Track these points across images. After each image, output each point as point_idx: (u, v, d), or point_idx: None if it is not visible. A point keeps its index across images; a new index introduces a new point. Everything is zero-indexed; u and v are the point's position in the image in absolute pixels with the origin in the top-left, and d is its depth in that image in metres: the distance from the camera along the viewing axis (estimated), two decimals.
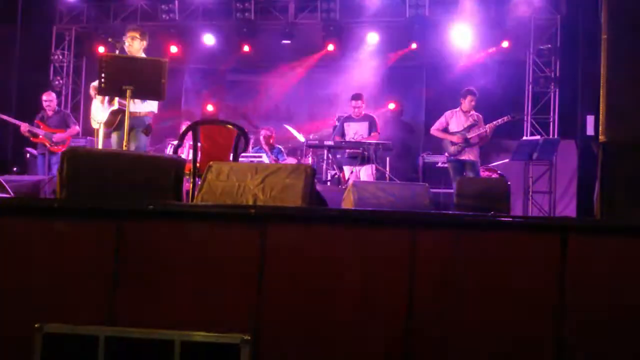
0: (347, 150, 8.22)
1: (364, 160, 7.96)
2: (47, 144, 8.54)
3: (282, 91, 11.78)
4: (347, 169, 8.24)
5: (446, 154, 8.05)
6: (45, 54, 11.32)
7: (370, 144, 7.87)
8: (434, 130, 8.12)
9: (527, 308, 2.77)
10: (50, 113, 8.80)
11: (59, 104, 9.84)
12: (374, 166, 8.00)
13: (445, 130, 8.02)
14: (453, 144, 7.89)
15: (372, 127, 8.30)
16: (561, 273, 2.75)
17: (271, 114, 11.74)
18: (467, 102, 7.94)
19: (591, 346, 2.72)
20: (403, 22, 10.43)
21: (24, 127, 8.52)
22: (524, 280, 2.79)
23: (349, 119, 8.51)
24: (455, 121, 7.98)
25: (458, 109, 8.03)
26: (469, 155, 7.85)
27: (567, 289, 2.75)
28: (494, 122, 7.84)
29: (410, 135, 11.16)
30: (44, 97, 8.89)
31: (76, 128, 8.92)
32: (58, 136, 8.57)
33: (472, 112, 7.98)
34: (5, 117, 8.64)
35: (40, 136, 8.55)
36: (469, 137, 7.82)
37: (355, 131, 8.32)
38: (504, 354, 2.77)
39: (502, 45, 10.24)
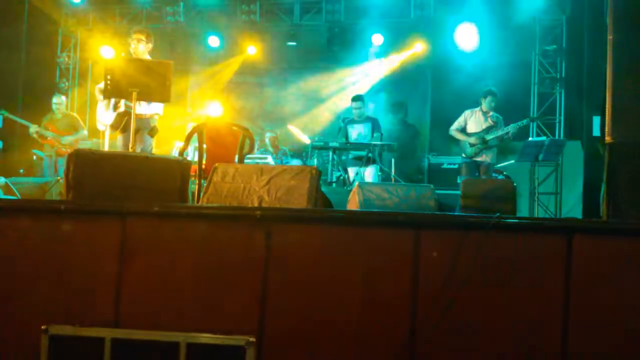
0: (352, 152, 8.23)
1: (369, 162, 7.97)
2: (54, 146, 8.52)
3: (287, 93, 11.78)
4: (352, 170, 8.24)
5: (463, 155, 8.06)
6: (52, 56, 11.35)
7: (375, 145, 7.88)
8: (453, 130, 8.13)
9: (532, 308, 2.77)
10: (59, 116, 8.79)
11: (65, 106, 9.81)
12: (379, 167, 8.01)
13: (464, 129, 8.02)
14: (471, 145, 7.90)
15: (375, 128, 8.30)
16: (567, 273, 2.75)
17: (276, 116, 11.74)
18: (486, 103, 7.93)
19: (597, 343, 2.72)
20: (408, 23, 10.42)
21: (33, 128, 8.51)
22: (529, 281, 2.78)
23: (352, 121, 8.52)
24: (474, 121, 7.98)
25: (478, 108, 8.02)
26: (486, 157, 7.87)
27: (573, 289, 2.74)
28: (517, 124, 7.86)
29: (416, 136, 11.14)
30: (54, 100, 8.88)
31: (84, 132, 8.89)
32: (67, 140, 8.54)
33: (492, 112, 7.98)
34: (15, 118, 8.61)
35: (49, 138, 8.54)
36: (487, 139, 7.84)
37: (359, 133, 8.33)
38: (509, 354, 2.76)
39: (507, 46, 10.21)
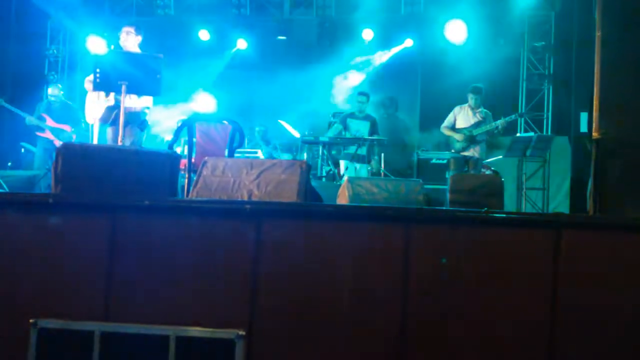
0: (343, 146, 8.29)
1: (359, 156, 8.04)
2: (51, 137, 8.26)
3: (277, 87, 11.77)
4: (343, 164, 8.29)
5: (452, 150, 8.14)
6: (41, 49, 11.26)
7: (365, 139, 7.94)
8: (443, 128, 8.22)
9: (520, 303, 2.79)
10: (57, 105, 8.52)
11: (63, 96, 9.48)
12: (369, 166, 8.09)
13: (454, 126, 8.09)
14: (458, 141, 7.98)
15: (374, 129, 8.40)
16: (554, 268, 2.77)
17: (266, 110, 11.72)
18: (471, 100, 8.00)
19: (584, 339, 2.75)
20: (398, 19, 10.45)
21: (29, 120, 8.26)
22: (517, 276, 2.81)
23: (352, 115, 8.59)
24: (463, 117, 8.06)
25: (467, 104, 8.09)
26: (474, 153, 7.95)
27: (560, 283, 2.77)
28: (505, 119, 7.94)
29: (405, 131, 11.17)
30: (49, 92, 8.64)
31: (82, 125, 8.61)
32: (65, 137, 8.26)
33: (481, 108, 8.05)
34: (12, 108, 8.36)
35: (47, 131, 8.31)
36: (475, 134, 7.91)
37: (357, 129, 8.39)
38: (498, 348, 2.79)
39: (496, 42, 10.26)
